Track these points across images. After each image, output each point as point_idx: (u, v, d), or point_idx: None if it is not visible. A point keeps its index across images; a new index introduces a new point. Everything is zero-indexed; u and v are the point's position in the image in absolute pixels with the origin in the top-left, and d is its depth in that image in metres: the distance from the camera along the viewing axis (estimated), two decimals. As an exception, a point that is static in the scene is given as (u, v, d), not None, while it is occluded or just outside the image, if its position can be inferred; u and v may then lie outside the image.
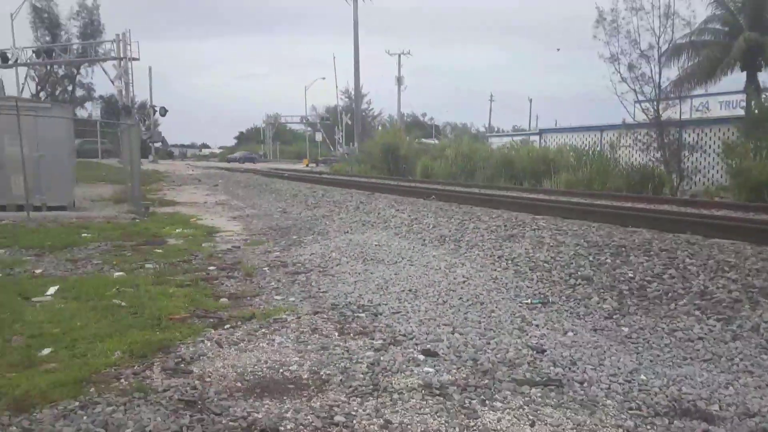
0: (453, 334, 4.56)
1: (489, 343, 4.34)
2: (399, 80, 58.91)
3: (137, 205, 13.55)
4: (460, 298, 5.49)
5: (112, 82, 45.56)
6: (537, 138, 29.56)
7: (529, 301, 5.44)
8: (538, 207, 9.50)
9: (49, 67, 53.50)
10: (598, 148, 21.10)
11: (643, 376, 3.81)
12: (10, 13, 44.92)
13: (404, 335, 4.57)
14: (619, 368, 3.95)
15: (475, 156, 24.13)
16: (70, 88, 59.39)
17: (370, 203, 12.06)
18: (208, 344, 4.45)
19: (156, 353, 4.28)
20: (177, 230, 10.62)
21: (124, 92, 42.25)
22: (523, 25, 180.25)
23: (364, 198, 12.99)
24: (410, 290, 5.83)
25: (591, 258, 6.04)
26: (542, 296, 5.54)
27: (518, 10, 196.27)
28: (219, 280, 6.65)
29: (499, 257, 6.74)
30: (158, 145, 57.71)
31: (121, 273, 6.89)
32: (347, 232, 9.66)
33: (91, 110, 59.83)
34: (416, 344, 4.37)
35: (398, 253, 7.49)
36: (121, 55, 42.10)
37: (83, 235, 9.64)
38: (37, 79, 55.04)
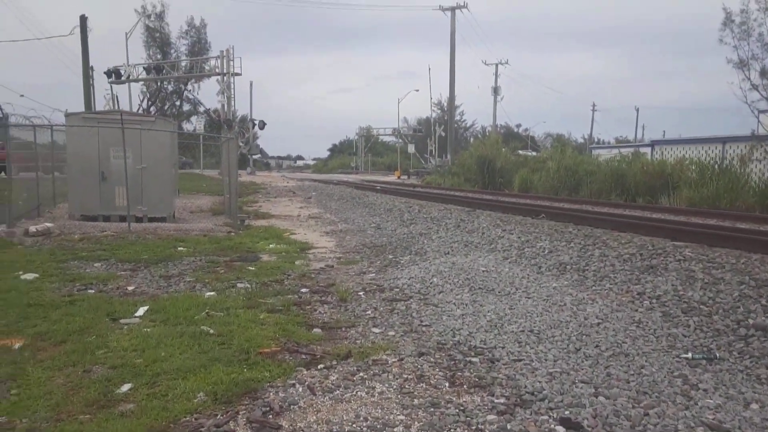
0: (596, 396, 3.64)
1: (648, 414, 3.39)
2: (495, 90, 56.89)
3: (234, 217, 13.52)
4: (597, 345, 4.53)
5: (207, 110, 47.40)
6: (648, 150, 27.25)
7: (689, 355, 4.35)
8: (674, 231, 8.09)
9: (159, 83, 56.94)
10: (725, 162, 18.91)
11: None
12: (125, 32, 48.21)
13: (532, 393, 3.73)
14: (843, 467, 2.88)
15: (580, 169, 22.46)
16: (177, 103, 62.95)
17: (471, 221, 11.16)
18: (300, 389, 3.87)
19: (242, 398, 3.78)
20: (270, 245, 10.31)
21: (225, 106, 43.86)
22: (622, 32, 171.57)
23: (464, 215, 12.10)
24: (531, 331, 4.95)
25: (764, 301, 4.84)
26: (706, 349, 4.43)
27: (615, 18, 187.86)
28: (312, 306, 6.12)
29: (639, 294, 5.63)
30: (257, 156, 59.73)
31: (212, 293, 6.54)
32: (448, 253, 8.85)
33: (195, 124, 63.00)
34: (550, 408, 3.51)
35: (510, 282, 6.58)
36: (224, 71, 43.83)
37: (179, 248, 9.52)
38: (148, 95, 58.76)
